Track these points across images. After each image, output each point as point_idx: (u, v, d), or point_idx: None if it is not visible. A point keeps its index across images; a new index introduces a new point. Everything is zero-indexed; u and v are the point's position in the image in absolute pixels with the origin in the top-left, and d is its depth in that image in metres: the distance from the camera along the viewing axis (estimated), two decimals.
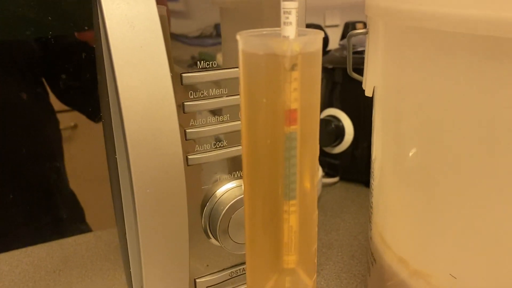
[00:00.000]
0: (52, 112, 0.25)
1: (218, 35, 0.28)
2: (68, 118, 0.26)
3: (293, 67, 0.17)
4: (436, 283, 0.24)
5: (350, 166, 0.62)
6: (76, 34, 0.24)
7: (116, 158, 0.26)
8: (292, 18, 0.17)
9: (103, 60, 0.24)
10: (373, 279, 0.30)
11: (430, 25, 0.20)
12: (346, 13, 0.78)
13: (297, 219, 0.19)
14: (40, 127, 0.25)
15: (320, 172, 0.57)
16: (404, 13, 0.22)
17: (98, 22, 0.24)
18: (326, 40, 0.72)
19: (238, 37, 0.17)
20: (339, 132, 0.60)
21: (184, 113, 0.27)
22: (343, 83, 0.61)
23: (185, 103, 0.27)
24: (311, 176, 0.19)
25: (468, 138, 0.21)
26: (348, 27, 0.74)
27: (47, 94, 0.25)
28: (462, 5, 0.19)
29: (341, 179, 0.63)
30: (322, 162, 0.62)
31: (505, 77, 0.19)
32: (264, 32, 0.19)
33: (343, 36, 0.75)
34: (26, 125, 0.25)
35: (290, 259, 0.20)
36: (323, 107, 0.64)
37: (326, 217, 0.54)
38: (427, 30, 0.21)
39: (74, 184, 0.27)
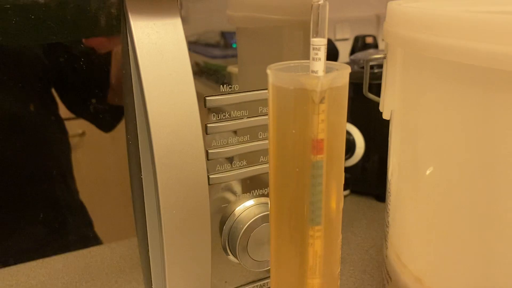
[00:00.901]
0: (61, 123, 0.26)
1: (241, 58, 0.29)
2: (76, 126, 0.27)
3: (321, 100, 0.18)
4: None
5: (360, 179, 0.62)
6: (84, 40, 0.24)
7: (141, 177, 0.27)
8: (321, 54, 0.18)
9: (132, 86, 0.25)
10: None
11: (448, 57, 0.21)
12: (356, 26, 0.79)
13: (322, 244, 0.20)
14: (49, 138, 0.26)
15: None
16: (423, 44, 0.22)
17: (127, 49, 0.25)
18: (336, 54, 0.73)
19: (268, 71, 0.18)
20: (350, 146, 0.61)
21: (207, 134, 0.28)
22: (353, 97, 0.62)
23: (208, 125, 0.28)
24: (337, 202, 0.20)
25: (484, 157, 0.22)
26: (358, 41, 0.75)
27: (56, 104, 0.25)
28: (480, 38, 0.20)
29: (352, 192, 0.64)
30: None
31: None
32: (292, 65, 0.19)
33: (353, 49, 0.76)
34: (34, 137, 0.25)
35: (315, 283, 0.20)
36: None
37: None
38: (445, 60, 0.22)
39: (83, 193, 0.28)
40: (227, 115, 0.29)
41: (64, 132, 0.26)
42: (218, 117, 0.29)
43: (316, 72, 0.18)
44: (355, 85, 0.61)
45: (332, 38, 0.76)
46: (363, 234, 0.54)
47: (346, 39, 0.79)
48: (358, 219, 0.57)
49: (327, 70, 0.18)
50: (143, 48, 0.24)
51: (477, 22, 0.20)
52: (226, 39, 0.28)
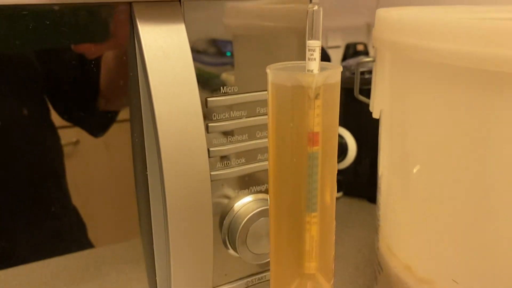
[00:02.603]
0: (53, 129, 0.26)
1: (239, 62, 0.30)
2: (70, 134, 0.27)
3: (316, 96, 0.20)
4: None
5: (353, 182, 0.64)
6: (73, 46, 0.25)
7: (146, 174, 0.29)
8: (316, 54, 0.19)
9: (138, 87, 0.27)
10: (381, 287, 0.33)
11: (433, 59, 0.23)
12: (347, 34, 0.81)
13: (318, 229, 0.21)
14: (41, 144, 0.26)
15: None
16: (409, 47, 0.24)
17: (134, 53, 0.26)
18: (328, 61, 0.75)
19: (267, 70, 0.20)
20: (343, 149, 0.63)
21: (208, 133, 0.30)
22: (346, 102, 0.64)
23: (209, 124, 0.30)
24: (331, 191, 0.22)
25: (466, 154, 0.24)
26: (349, 48, 0.78)
27: (49, 111, 0.26)
28: (462, 41, 0.22)
29: (345, 194, 0.66)
30: None
31: (497, 105, 0.22)
32: (289, 65, 0.21)
33: (345, 57, 0.78)
34: (27, 142, 0.26)
35: (311, 266, 0.22)
36: None
37: None
38: (430, 62, 0.24)
39: (77, 200, 0.28)
40: (227, 115, 0.31)
41: (57, 137, 0.27)
42: (218, 117, 0.30)
43: (311, 70, 0.20)
44: (346, 90, 0.63)
45: (324, 45, 0.78)
46: (356, 234, 0.56)
47: (338, 47, 0.81)
48: (351, 220, 0.59)
49: (321, 70, 0.20)
50: (150, 52, 0.25)
51: (459, 26, 0.22)
52: (225, 44, 0.30)
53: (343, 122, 0.65)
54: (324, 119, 0.20)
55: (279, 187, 0.22)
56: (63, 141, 0.27)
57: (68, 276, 0.30)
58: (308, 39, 0.19)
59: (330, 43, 0.81)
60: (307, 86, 0.19)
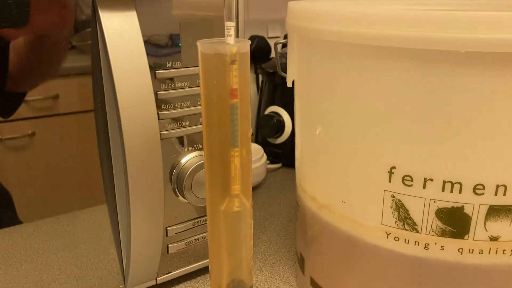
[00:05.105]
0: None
1: (181, 42, 0.38)
2: (25, 126, 0.31)
3: (233, 62, 0.28)
4: (334, 209, 0.35)
5: (290, 154, 0.73)
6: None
7: (107, 132, 0.36)
8: (232, 32, 0.27)
9: (99, 61, 0.34)
10: (299, 220, 0.42)
11: (323, 37, 0.32)
12: (285, 26, 0.91)
13: (239, 160, 0.30)
14: None
15: (264, 159, 0.69)
16: (308, 30, 0.33)
17: (96, 33, 0.33)
18: (269, 49, 0.84)
19: (198, 43, 0.28)
20: (280, 125, 0.72)
21: (157, 99, 0.37)
22: (282, 84, 0.73)
23: (158, 93, 0.37)
24: (247, 132, 0.30)
25: (349, 117, 0.33)
26: (287, 38, 0.87)
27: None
28: (344, 24, 0.30)
29: (283, 165, 0.75)
30: (267, 152, 0.74)
31: (363, 73, 0.31)
32: (214, 40, 0.29)
33: (283, 45, 0.87)
34: None
35: (236, 187, 0.30)
36: (267, 105, 0.75)
37: (270, 194, 0.65)
38: (322, 40, 0.33)
39: (30, 191, 0.32)
40: (172, 85, 0.38)
41: None
42: (165, 87, 0.38)
43: (229, 43, 0.28)
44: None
45: (265, 35, 0.87)
46: (291, 196, 0.65)
47: (277, 37, 0.90)
48: (288, 185, 0.68)
49: (236, 42, 0.28)
50: (109, 32, 0.32)
51: (338, 13, 0.31)
52: (171, 27, 0.38)
53: (281, 103, 0.74)
54: (240, 79, 0.28)
55: (210, 131, 0.29)
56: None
57: (38, 237, 0.35)
58: (226, 21, 0.27)
59: (271, 34, 0.89)
60: (224, 54, 0.27)
